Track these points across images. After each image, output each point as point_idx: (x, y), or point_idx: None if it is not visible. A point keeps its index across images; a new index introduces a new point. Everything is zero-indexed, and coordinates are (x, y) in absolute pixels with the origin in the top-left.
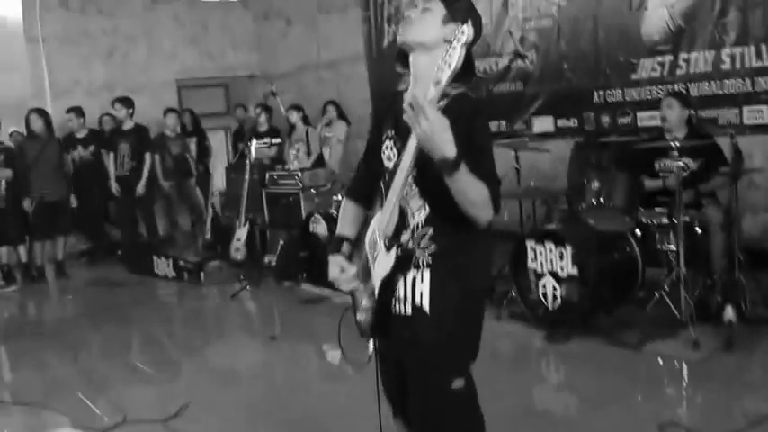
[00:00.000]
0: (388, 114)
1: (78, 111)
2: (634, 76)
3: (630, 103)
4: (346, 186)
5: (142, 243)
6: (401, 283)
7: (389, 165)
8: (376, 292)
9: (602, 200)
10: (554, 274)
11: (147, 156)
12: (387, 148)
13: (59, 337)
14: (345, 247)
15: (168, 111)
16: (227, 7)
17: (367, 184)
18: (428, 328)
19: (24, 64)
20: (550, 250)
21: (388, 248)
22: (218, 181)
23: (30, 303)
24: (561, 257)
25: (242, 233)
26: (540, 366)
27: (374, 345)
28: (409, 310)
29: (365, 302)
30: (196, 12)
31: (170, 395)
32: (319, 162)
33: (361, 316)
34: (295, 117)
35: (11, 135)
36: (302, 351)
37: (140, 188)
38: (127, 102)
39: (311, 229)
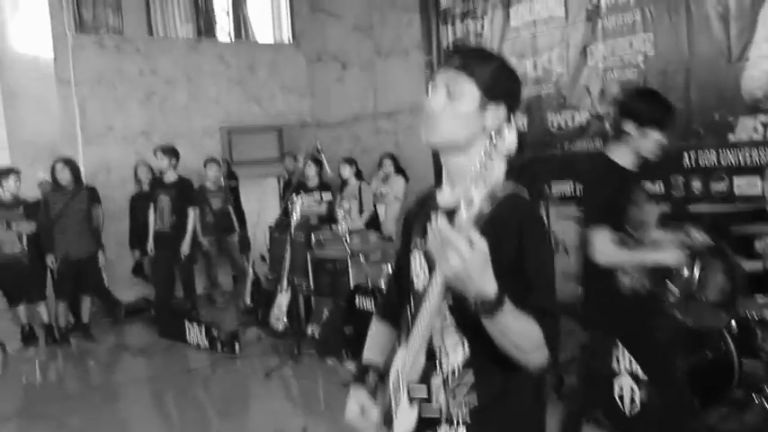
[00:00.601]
0: (419, 217)
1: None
2: (732, 137)
3: (726, 167)
4: (378, 305)
5: (176, 306)
6: None
7: (417, 285)
8: None
9: (693, 288)
10: (633, 375)
11: (191, 211)
12: (415, 261)
13: (67, 414)
14: (371, 378)
15: (209, 161)
16: (277, 48)
17: (397, 305)
18: None
19: (55, 107)
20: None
21: (411, 400)
22: (263, 238)
23: (49, 369)
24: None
25: (283, 300)
26: None
27: None
28: None
29: None
30: (243, 52)
31: None
32: (373, 221)
33: None
34: (348, 171)
35: (40, 185)
36: None
37: (185, 247)
38: (171, 151)
39: (357, 304)
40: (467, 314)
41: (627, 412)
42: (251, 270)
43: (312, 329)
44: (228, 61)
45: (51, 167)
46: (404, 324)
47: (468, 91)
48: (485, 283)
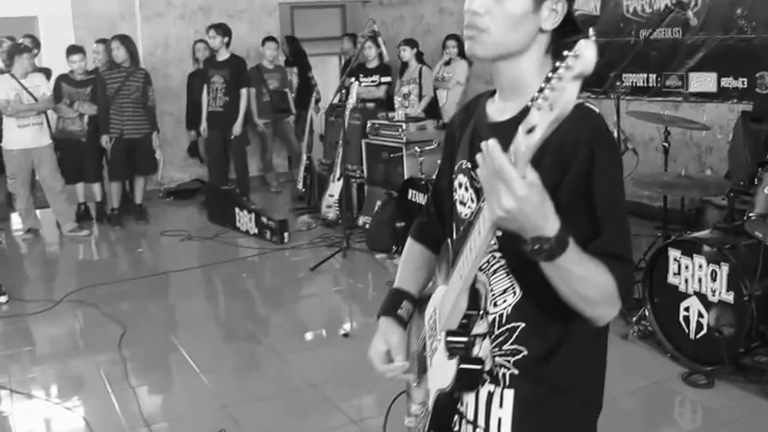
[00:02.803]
0: (464, 133)
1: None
2: None
3: None
4: (414, 222)
5: (227, 191)
6: (469, 399)
7: (463, 212)
8: (431, 401)
9: None
10: (701, 297)
11: (244, 91)
12: (459, 186)
13: (107, 304)
14: (404, 308)
15: (267, 39)
16: None
17: (437, 228)
18: None
19: None
20: (700, 266)
21: (450, 352)
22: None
23: (101, 250)
24: (713, 277)
25: (336, 189)
26: (671, 415)
27: None
28: None
29: (415, 408)
30: None
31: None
32: (433, 107)
33: (410, 422)
34: (408, 53)
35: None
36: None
37: (237, 128)
38: (223, 29)
39: (410, 197)
40: (521, 254)
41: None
42: (304, 155)
43: (364, 220)
44: None
45: (106, 45)
46: (444, 255)
47: None
48: (543, 221)
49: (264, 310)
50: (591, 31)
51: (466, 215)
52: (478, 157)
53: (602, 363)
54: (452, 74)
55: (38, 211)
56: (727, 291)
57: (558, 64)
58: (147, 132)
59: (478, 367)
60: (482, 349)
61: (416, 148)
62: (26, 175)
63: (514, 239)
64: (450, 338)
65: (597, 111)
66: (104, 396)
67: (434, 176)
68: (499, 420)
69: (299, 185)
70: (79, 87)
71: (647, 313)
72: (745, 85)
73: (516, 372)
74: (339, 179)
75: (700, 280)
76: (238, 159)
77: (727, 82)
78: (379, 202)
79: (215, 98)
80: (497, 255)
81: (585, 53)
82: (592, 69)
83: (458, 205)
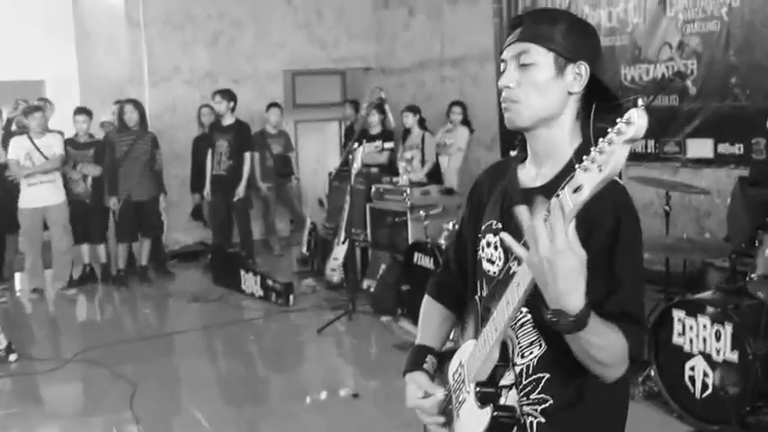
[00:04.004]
0: (494, 192)
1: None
2: None
3: None
4: (430, 281)
5: (232, 254)
6: None
7: (490, 270)
8: None
9: None
10: (707, 357)
11: (247, 155)
12: (488, 245)
13: (116, 364)
14: (429, 362)
15: (271, 105)
16: None
17: (457, 285)
18: None
19: (124, 48)
20: (704, 326)
21: (482, 401)
22: (322, 184)
23: (105, 311)
24: (718, 338)
25: (340, 252)
26: None
27: None
28: None
29: None
30: None
31: None
32: (435, 173)
33: None
34: (411, 120)
35: (102, 125)
36: (381, 415)
37: (240, 191)
38: (228, 94)
39: (415, 260)
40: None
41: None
42: (308, 219)
43: (368, 284)
44: (295, 4)
45: (119, 108)
46: (472, 312)
47: (540, 57)
48: (569, 294)
49: (271, 372)
50: (640, 101)
51: (494, 273)
52: (519, 209)
53: (624, 408)
54: (454, 140)
55: (47, 272)
56: (732, 350)
57: (609, 129)
58: (154, 195)
59: (511, 414)
60: (509, 399)
61: (422, 212)
62: (36, 234)
63: (541, 297)
64: (481, 389)
65: (622, 183)
66: None
67: (455, 235)
68: None
69: (303, 249)
70: (83, 149)
71: (652, 373)
72: (742, 151)
73: (543, 420)
74: (344, 242)
75: (704, 340)
76: (242, 222)
77: (724, 148)
78: (383, 266)
79: (219, 162)
80: (524, 310)
81: (637, 120)
82: (642, 135)
83: (484, 263)
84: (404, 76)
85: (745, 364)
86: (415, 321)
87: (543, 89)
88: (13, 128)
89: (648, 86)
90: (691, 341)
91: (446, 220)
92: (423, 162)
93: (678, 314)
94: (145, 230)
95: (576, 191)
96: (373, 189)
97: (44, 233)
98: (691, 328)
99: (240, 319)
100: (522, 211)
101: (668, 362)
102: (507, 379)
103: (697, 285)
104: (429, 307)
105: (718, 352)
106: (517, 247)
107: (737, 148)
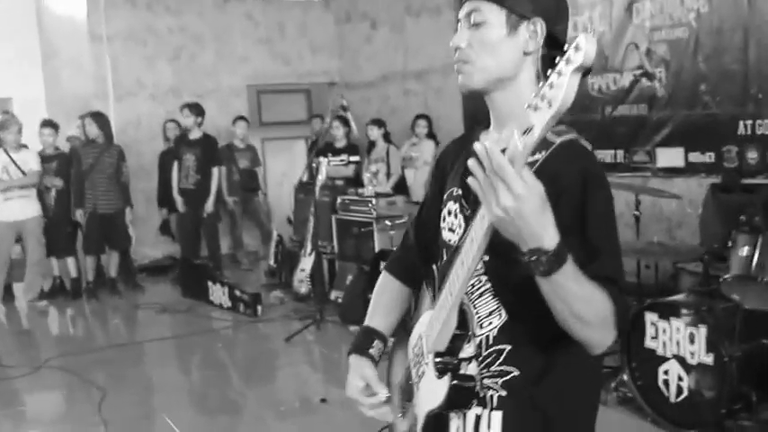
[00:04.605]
0: (455, 163)
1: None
2: None
3: None
4: (389, 257)
5: (200, 265)
6: (458, 423)
7: (451, 239)
8: (419, 426)
9: (751, 269)
10: (681, 360)
11: (215, 170)
12: (449, 213)
13: (90, 368)
14: (376, 347)
15: (238, 119)
16: (305, 7)
17: (417, 258)
18: None
19: (88, 64)
20: (678, 329)
21: (440, 372)
22: (288, 201)
23: (75, 323)
24: (692, 340)
25: (307, 263)
26: None
27: None
28: None
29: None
30: (271, 11)
31: None
32: (401, 186)
33: None
34: (375, 133)
35: (68, 139)
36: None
37: (209, 206)
38: (196, 109)
39: (381, 269)
40: (507, 276)
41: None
42: (275, 232)
43: (336, 295)
44: (257, 19)
45: (81, 122)
46: (429, 283)
47: (492, 15)
48: (543, 230)
49: (242, 379)
50: (590, 27)
51: (453, 242)
52: (470, 162)
53: (596, 393)
54: (420, 154)
55: (17, 285)
56: (707, 353)
57: (557, 59)
58: (120, 208)
59: (470, 384)
60: (469, 371)
61: (387, 222)
62: (6, 249)
63: (501, 262)
64: (439, 358)
65: (590, 148)
66: None
67: (417, 211)
68: None
69: (271, 261)
70: (47, 162)
71: (625, 378)
72: (713, 159)
73: (504, 393)
74: (310, 254)
75: (678, 343)
76: (210, 236)
77: (695, 157)
78: (350, 277)
79: (187, 176)
80: (483, 278)
81: (585, 45)
82: (592, 62)
83: (445, 232)
84: (368, 90)
85: (721, 366)
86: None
87: (495, 49)
88: None
89: (617, 95)
90: (664, 344)
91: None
92: (388, 175)
93: (651, 317)
94: (112, 243)
95: (525, 132)
96: (339, 200)
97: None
98: (664, 331)
99: (209, 328)
100: (474, 165)
101: (641, 366)
102: (467, 351)
103: (669, 291)
104: (384, 283)
105: (692, 355)
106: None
107: (708, 157)
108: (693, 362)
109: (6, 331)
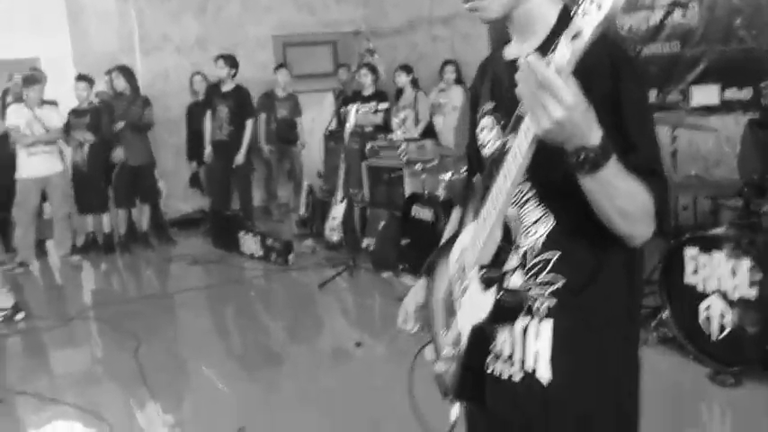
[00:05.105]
0: (484, 81)
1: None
2: None
3: None
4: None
5: (230, 216)
6: (504, 334)
7: (488, 153)
8: (463, 340)
9: None
10: (723, 295)
11: (249, 123)
12: (482, 130)
13: (124, 318)
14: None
15: (279, 66)
16: None
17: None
18: (550, 407)
19: (115, 19)
20: (719, 264)
21: (485, 285)
22: (317, 153)
23: (110, 276)
24: (734, 274)
25: (338, 211)
26: (699, 415)
27: (462, 410)
28: (518, 377)
29: (447, 350)
30: None
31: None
32: (429, 132)
33: (442, 366)
34: (403, 80)
35: (96, 95)
36: (390, 366)
37: (240, 158)
38: (230, 60)
39: (413, 213)
40: (551, 182)
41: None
42: (305, 182)
43: (367, 242)
44: None
45: (109, 77)
46: (472, 198)
47: None
48: (588, 129)
49: (275, 326)
50: None
51: (490, 153)
52: (518, 75)
53: (639, 296)
54: (448, 100)
55: (48, 242)
56: (750, 287)
57: None
58: (148, 161)
59: (516, 295)
60: (513, 283)
61: (418, 167)
62: (32, 205)
63: (545, 168)
64: (485, 271)
65: (617, 39)
66: (126, 404)
67: (469, 137)
68: (536, 353)
69: (302, 211)
70: (79, 117)
71: (665, 316)
72: (750, 96)
73: (553, 302)
74: (341, 202)
75: (719, 278)
76: (242, 188)
77: (731, 93)
78: (382, 223)
79: (220, 127)
80: (527, 186)
81: None
82: None
83: (483, 150)
84: (395, 37)
85: (764, 300)
86: (416, 275)
87: None
88: (9, 99)
89: (648, 33)
90: (705, 280)
91: (443, 173)
92: (416, 122)
93: (691, 252)
94: (142, 196)
95: (574, 38)
96: (368, 147)
97: (38, 205)
98: (705, 266)
99: (242, 278)
100: (532, 61)
101: (682, 304)
102: (511, 262)
103: (709, 228)
104: (453, 217)
105: (734, 289)
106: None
107: (745, 93)
108: (735, 297)
109: (40, 286)
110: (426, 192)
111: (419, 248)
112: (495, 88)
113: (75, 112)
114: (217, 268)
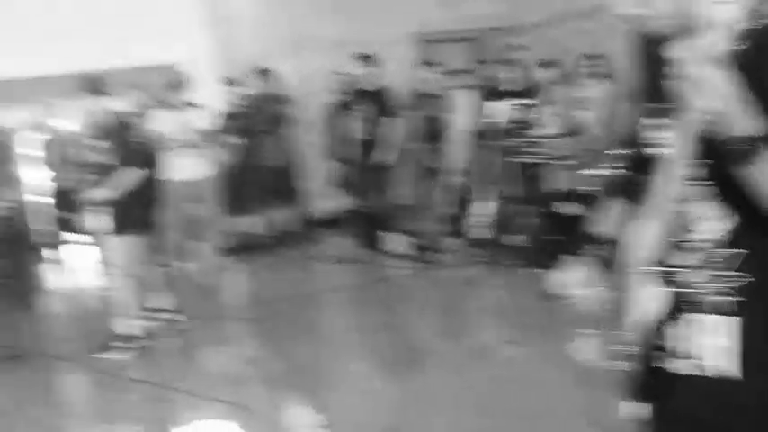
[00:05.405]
0: (646, 76)
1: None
2: None
3: None
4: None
5: (373, 215)
6: (681, 331)
7: (653, 150)
8: (640, 338)
9: None
10: None
11: (392, 121)
12: (647, 125)
13: (265, 318)
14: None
15: (425, 63)
16: None
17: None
18: (749, 404)
19: (256, 22)
20: None
21: (666, 280)
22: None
23: (254, 276)
24: None
25: (484, 208)
26: None
27: (636, 408)
28: (704, 373)
29: (623, 348)
30: None
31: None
32: (573, 127)
33: (616, 364)
34: (546, 75)
35: (242, 98)
36: (543, 364)
37: (382, 156)
38: (371, 59)
39: (558, 210)
40: (725, 175)
41: None
42: (450, 179)
43: (513, 239)
44: None
45: (251, 79)
46: (640, 193)
47: None
48: (751, 119)
49: (424, 325)
50: None
51: (653, 148)
52: (680, 70)
53: None
54: (592, 94)
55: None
56: None
57: None
58: (290, 160)
59: (693, 291)
60: (693, 277)
61: (562, 163)
62: (184, 207)
63: (717, 162)
64: (663, 268)
65: None
66: (277, 403)
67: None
68: (719, 350)
69: (447, 208)
70: (228, 120)
71: None
72: None
73: (738, 299)
74: (485, 199)
75: None
76: (386, 187)
77: None
78: (529, 219)
79: (363, 126)
80: (702, 183)
81: None
82: None
83: (648, 147)
84: (536, 32)
85: None
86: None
87: None
88: (154, 104)
89: None
90: None
91: (588, 168)
92: (560, 117)
93: None
94: (286, 196)
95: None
96: (512, 143)
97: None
98: None
99: (387, 277)
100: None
101: None
102: (690, 259)
103: None
104: (613, 211)
105: None
106: None
107: None
108: None
109: (193, 288)
110: (573, 187)
111: (566, 244)
112: (658, 80)
113: (223, 115)
114: (362, 267)
